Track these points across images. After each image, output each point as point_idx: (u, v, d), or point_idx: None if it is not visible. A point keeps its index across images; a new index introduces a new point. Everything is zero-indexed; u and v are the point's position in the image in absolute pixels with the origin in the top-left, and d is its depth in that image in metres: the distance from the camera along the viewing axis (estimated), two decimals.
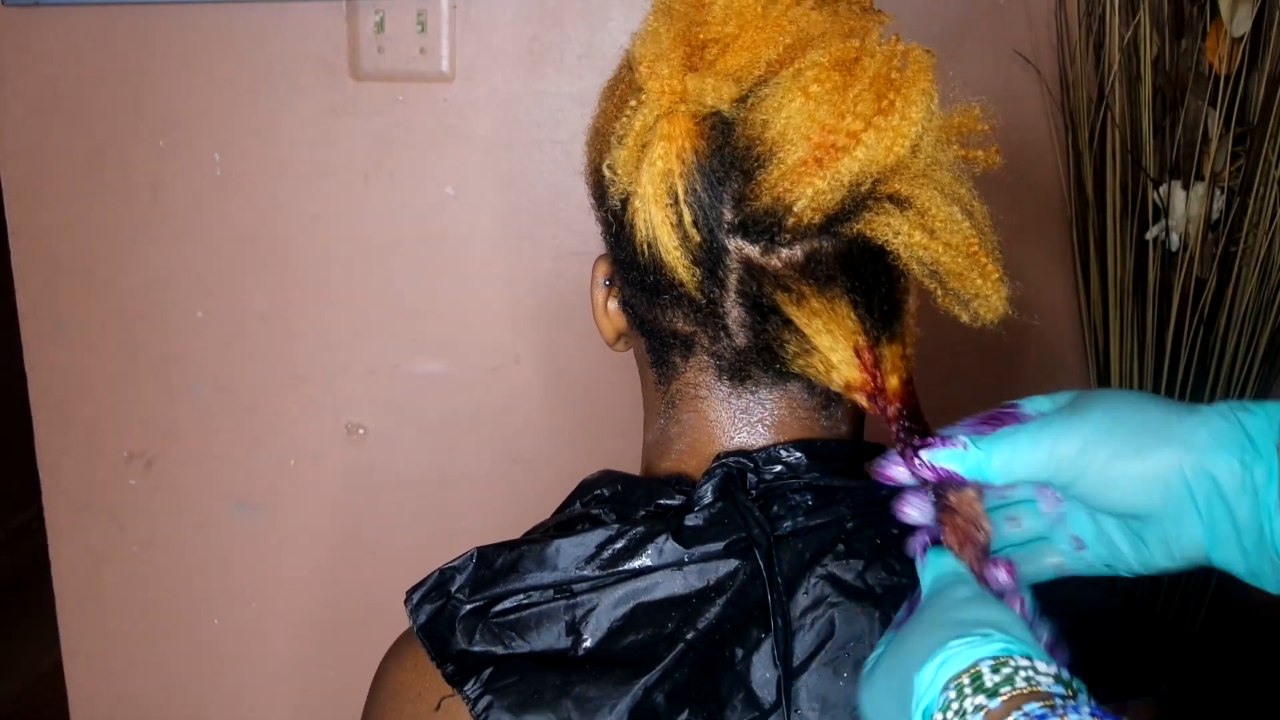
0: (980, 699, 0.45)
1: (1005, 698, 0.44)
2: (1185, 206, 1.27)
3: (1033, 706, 0.43)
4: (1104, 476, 0.52)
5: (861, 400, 0.59)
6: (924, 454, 0.55)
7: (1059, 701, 0.44)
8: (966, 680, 0.46)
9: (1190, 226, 1.27)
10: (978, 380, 1.39)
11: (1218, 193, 1.27)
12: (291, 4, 1.38)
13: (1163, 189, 1.28)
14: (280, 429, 1.51)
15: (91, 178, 1.45)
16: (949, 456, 0.55)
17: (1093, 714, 0.43)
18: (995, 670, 0.45)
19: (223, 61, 1.41)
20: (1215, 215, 1.27)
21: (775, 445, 0.63)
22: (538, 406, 1.49)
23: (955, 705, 0.45)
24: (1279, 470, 0.50)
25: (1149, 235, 1.29)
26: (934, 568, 0.55)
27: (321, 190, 1.44)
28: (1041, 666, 0.46)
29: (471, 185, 1.43)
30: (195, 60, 1.41)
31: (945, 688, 0.46)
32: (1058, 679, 0.45)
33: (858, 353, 0.58)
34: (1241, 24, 1.22)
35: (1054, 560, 0.59)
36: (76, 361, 1.50)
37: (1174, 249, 1.29)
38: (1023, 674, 0.45)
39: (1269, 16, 1.23)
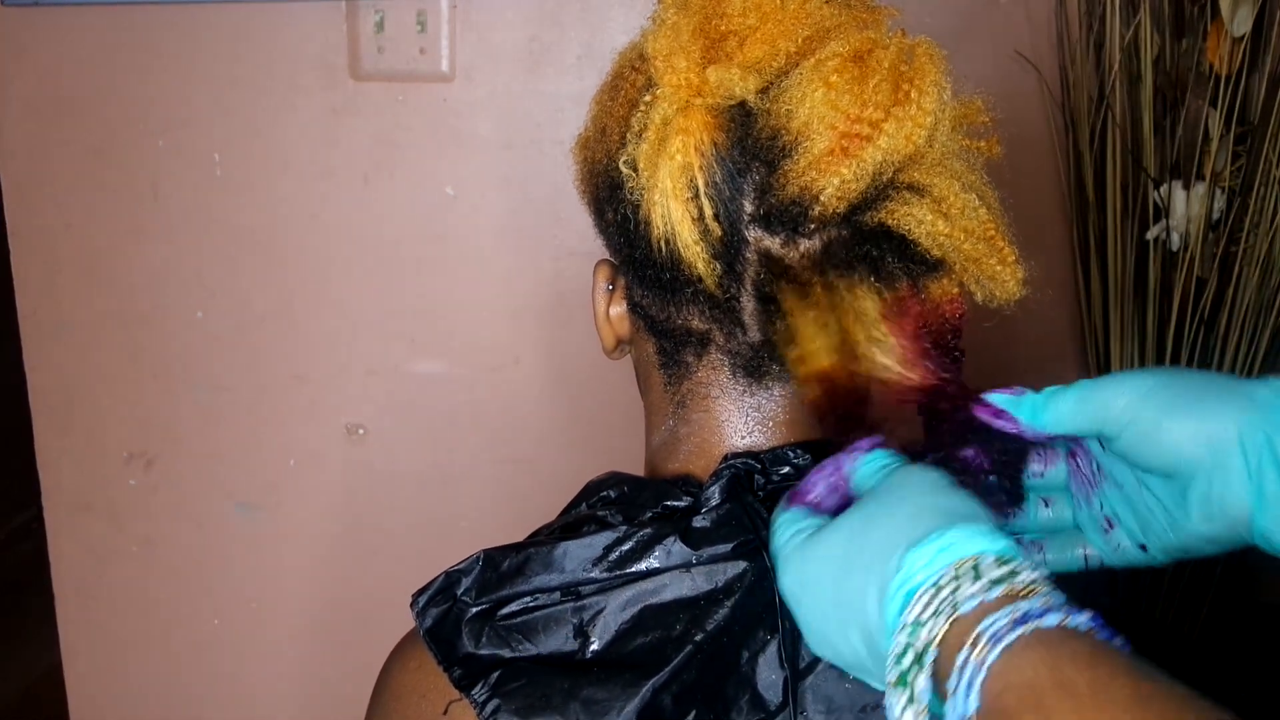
0: (979, 587, 0.43)
1: (1004, 592, 0.43)
2: (1185, 206, 1.27)
3: (1033, 603, 0.42)
4: (1155, 425, 0.52)
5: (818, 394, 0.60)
6: (985, 395, 0.57)
7: (1055, 603, 0.42)
8: (968, 568, 0.44)
9: (1190, 226, 1.27)
10: (976, 382, 1.38)
11: (1218, 193, 1.27)
12: (291, 4, 1.38)
13: (1163, 189, 1.28)
14: (280, 429, 1.51)
15: (91, 178, 1.44)
16: (1005, 400, 0.57)
17: (1093, 621, 0.42)
18: (1000, 564, 0.44)
19: (223, 61, 1.41)
20: (1215, 215, 1.27)
21: (783, 446, 0.63)
22: (538, 406, 1.48)
23: (950, 589, 0.43)
24: None
25: (1149, 235, 1.29)
26: (881, 457, 0.54)
27: (321, 190, 1.44)
28: (1042, 577, 0.44)
29: (471, 185, 1.43)
30: (195, 60, 1.41)
31: (943, 571, 0.44)
32: (1057, 590, 0.44)
33: (894, 334, 0.59)
34: (1242, 24, 1.22)
35: (1083, 550, 0.59)
36: (76, 361, 1.50)
37: (1174, 249, 1.29)
38: (1025, 576, 0.43)
39: (1269, 16, 1.23)
